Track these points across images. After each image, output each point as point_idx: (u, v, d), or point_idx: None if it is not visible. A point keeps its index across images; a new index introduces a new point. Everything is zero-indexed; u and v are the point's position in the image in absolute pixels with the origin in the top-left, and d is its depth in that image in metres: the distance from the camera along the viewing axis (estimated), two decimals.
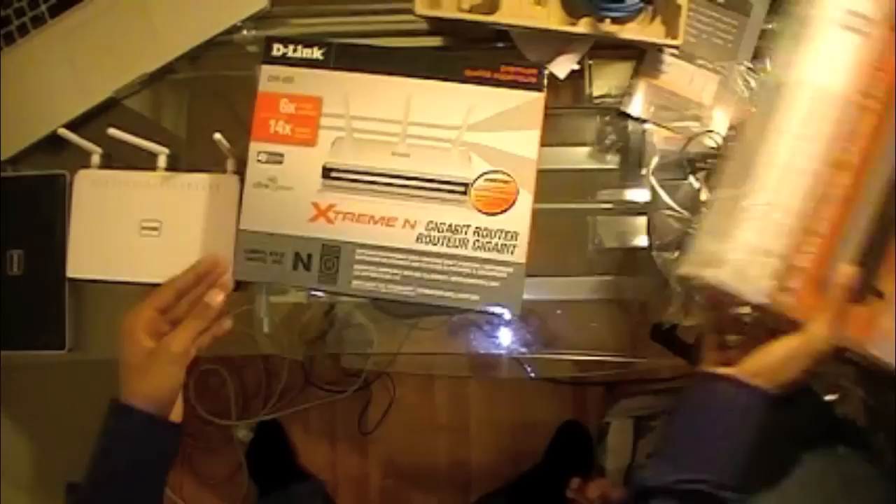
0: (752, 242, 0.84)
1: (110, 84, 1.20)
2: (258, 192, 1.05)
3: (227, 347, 1.33)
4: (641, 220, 1.14)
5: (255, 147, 1.06)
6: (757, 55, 1.13)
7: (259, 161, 1.05)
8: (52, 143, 1.19)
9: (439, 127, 1.04)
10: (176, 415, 0.96)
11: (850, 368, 1.11)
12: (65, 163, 1.19)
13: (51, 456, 1.64)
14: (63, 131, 1.12)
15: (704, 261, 0.88)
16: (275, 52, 1.07)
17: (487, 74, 1.04)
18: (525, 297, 1.11)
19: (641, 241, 1.14)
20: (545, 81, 1.04)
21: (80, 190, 1.16)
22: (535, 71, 1.04)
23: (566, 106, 1.20)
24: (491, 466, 2.01)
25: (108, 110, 1.22)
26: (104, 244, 1.15)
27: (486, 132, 1.04)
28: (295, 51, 1.07)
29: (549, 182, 1.15)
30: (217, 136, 1.07)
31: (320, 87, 1.06)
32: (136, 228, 1.13)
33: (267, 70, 1.07)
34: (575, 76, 1.14)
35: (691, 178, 1.10)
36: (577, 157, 1.18)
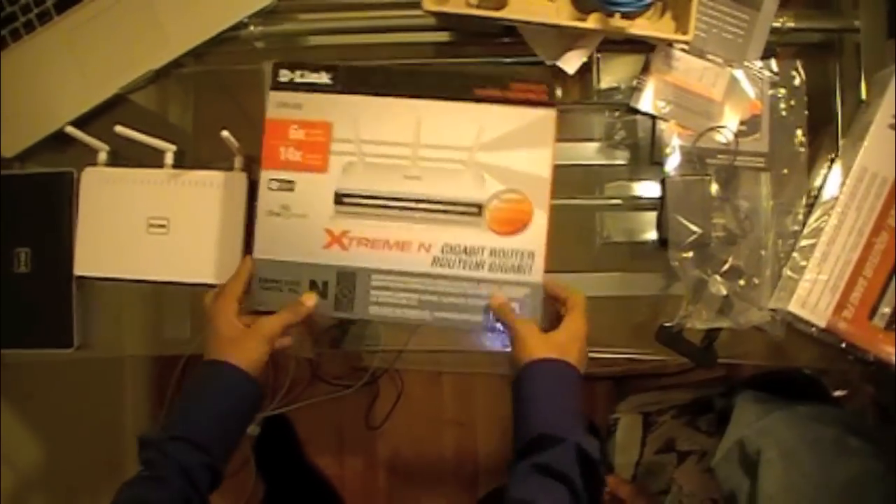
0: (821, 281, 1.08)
1: (117, 81, 1.19)
2: (271, 220, 1.04)
3: None
4: (650, 216, 1.14)
5: (265, 175, 1.04)
6: (768, 50, 1.12)
7: (270, 189, 1.04)
8: (59, 140, 1.19)
9: (451, 148, 1.03)
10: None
11: (859, 367, 1.11)
12: (72, 160, 1.19)
13: (56, 454, 1.64)
14: (70, 129, 1.12)
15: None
16: (282, 79, 1.05)
17: (497, 93, 1.03)
18: None
19: (650, 236, 1.14)
20: (556, 97, 1.03)
21: (87, 187, 1.16)
22: (545, 87, 1.03)
23: (575, 101, 1.19)
24: (498, 460, 2.01)
25: (114, 107, 1.21)
26: (112, 242, 1.15)
27: (497, 151, 1.03)
28: (302, 76, 1.05)
29: (558, 178, 1.14)
30: (224, 133, 1.07)
31: (329, 112, 1.04)
32: (144, 226, 1.14)
33: (275, 97, 1.05)
34: (584, 72, 1.14)
35: (702, 175, 1.09)
36: (586, 152, 1.18)
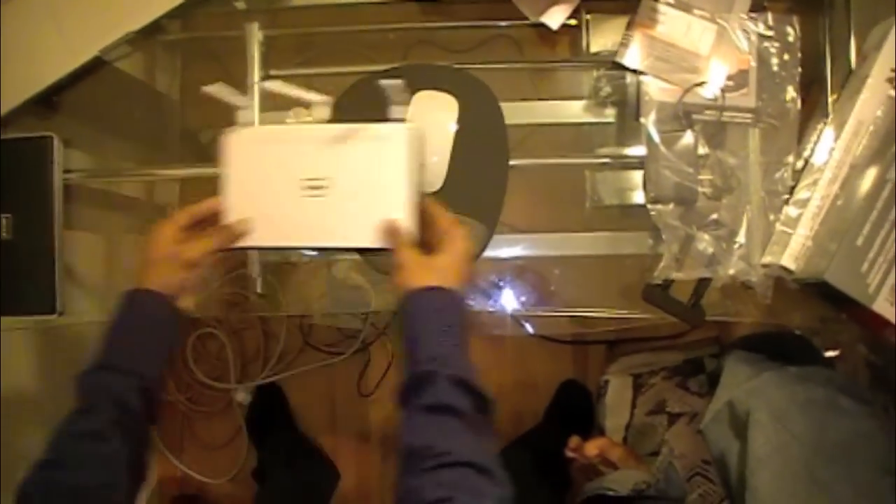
0: None
1: (96, 44, 1.17)
2: None
3: (222, 308, 1.33)
4: (638, 174, 1.13)
5: None
6: (756, 4, 1.11)
7: None
8: (39, 105, 1.17)
9: None
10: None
11: (854, 327, 1.10)
12: (52, 125, 1.18)
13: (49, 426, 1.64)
14: (212, 88, 1.06)
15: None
16: None
17: None
18: (522, 253, 1.10)
19: (640, 197, 1.13)
20: None
21: (233, 150, 1.05)
22: None
23: (562, 60, 1.18)
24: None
25: (100, 74, 1.20)
26: (264, 207, 1.04)
27: None
28: None
29: (546, 137, 1.13)
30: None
31: None
32: (298, 187, 1.03)
33: None
34: (572, 29, 1.13)
35: (688, 131, 1.08)
36: (574, 110, 1.17)
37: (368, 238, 1.00)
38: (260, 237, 1.03)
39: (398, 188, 1.00)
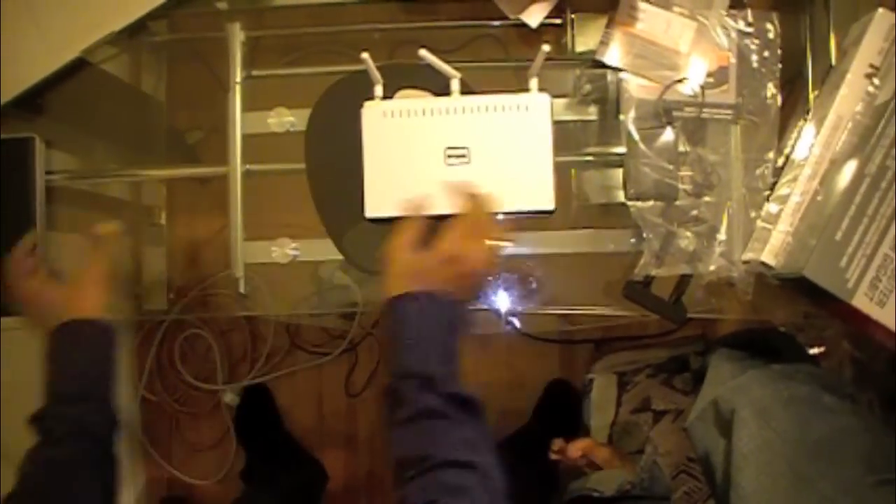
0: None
1: (77, 44, 1.17)
2: None
3: (208, 309, 1.33)
4: (620, 171, 1.13)
5: None
6: (735, 1, 1.11)
7: None
8: (21, 107, 1.17)
9: None
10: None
11: (837, 323, 1.10)
12: (36, 127, 1.17)
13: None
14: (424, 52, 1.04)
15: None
16: None
17: None
18: (508, 251, 1.10)
19: (621, 192, 1.13)
20: None
21: (369, 123, 1.07)
22: None
23: (546, 58, 1.18)
24: None
25: (85, 75, 1.19)
26: (404, 178, 1.06)
27: None
28: None
29: None
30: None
31: None
32: (440, 157, 1.05)
33: None
34: (557, 28, 1.13)
35: (668, 128, 1.08)
36: (556, 109, 1.16)
37: (517, 203, 1.03)
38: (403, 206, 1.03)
39: (543, 152, 1.03)
